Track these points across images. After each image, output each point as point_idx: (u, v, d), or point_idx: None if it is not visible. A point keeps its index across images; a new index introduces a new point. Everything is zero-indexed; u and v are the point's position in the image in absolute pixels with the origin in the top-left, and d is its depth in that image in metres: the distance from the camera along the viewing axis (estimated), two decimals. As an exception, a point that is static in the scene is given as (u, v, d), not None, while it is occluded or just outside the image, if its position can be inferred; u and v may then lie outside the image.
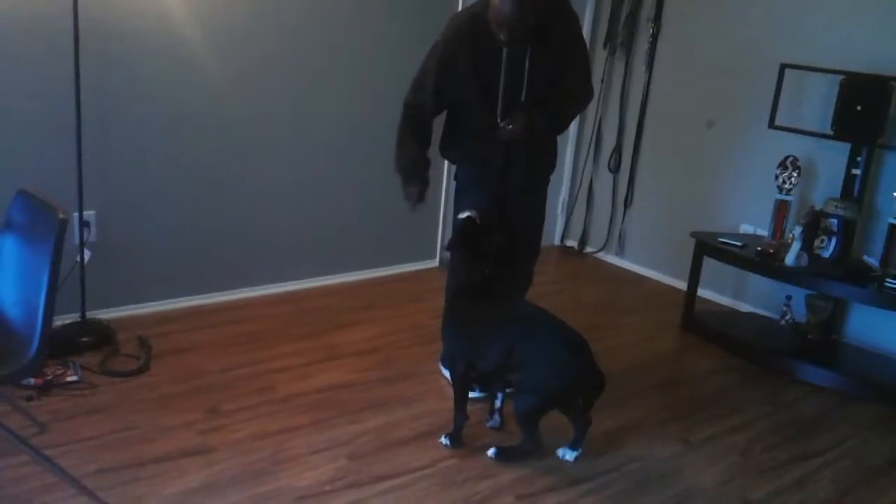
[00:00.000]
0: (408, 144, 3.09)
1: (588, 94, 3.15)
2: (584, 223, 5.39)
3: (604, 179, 5.25)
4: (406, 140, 3.09)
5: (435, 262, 4.72)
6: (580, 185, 5.38)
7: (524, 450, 2.79)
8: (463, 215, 2.92)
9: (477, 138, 3.03)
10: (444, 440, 2.85)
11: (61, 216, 2.16)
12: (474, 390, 3.09)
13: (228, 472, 2.55)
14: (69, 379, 3.01)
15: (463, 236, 2.90)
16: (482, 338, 2.80)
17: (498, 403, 2.99)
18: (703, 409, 3.32)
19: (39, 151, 3.25)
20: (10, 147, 3.19)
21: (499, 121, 2.93)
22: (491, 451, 2.78)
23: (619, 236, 5.19)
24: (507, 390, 2.92)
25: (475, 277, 2.91)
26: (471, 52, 2.87)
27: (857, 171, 3.80)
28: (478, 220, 2.90)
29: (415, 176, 3.10)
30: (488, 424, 3.00)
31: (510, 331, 2.75)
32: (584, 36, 4.97)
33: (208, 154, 3.75)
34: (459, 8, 4.26)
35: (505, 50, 2.85)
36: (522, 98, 2.92)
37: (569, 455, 2.83)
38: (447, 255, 3.31)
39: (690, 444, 3.03)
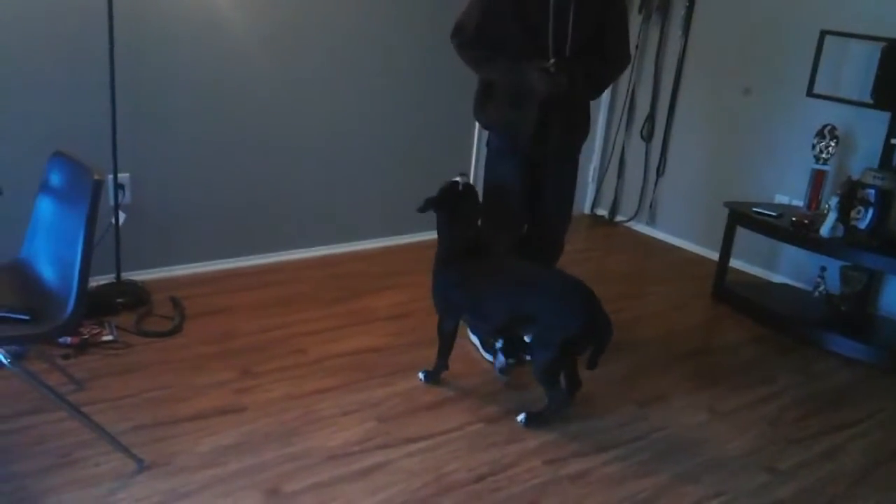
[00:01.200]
0: (486, 57, 2.97)
1: (626, 59, 3.14)
2: (615, 192, 5.35)
3: (636, 147, 5.19)
4: (477, 57, 2.98)
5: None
6: (612, 153, 5.33)
7: (552, 409, 2.81)
8: (456, 178, 2.94)
9: (513, 98, 2.98)
10: (420, 374, 2.99)
11: (96, 177, 2.19)
12: (509, 357, 3.14)
13: (261, 431, 2.60)
14: (105, 338, 3.07)
15: (437, 200, 2.91)
16: (482, 299, 2.86)
17: (499, 344, 3.14)
18: (731, 379, 3.31)
19: (75, 115, 3.28)
20: (47, 111, 3.23)
21: (538, 65, 2.87)
22: (520, 417, 2.80)
23: (651, 205, 5.15)
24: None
25: (461, 240, 2.93)
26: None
27: (896, 141, 3.72)
28: (461, 188, 2.91)
29: (529, 68, 2.90)
30: (499, 376, 3.11)
31: (512, 288, 2.81)
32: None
33: (241, 117, 3.77)
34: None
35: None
36: (567, 48, 2.88)
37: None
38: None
39: (718, 414, 3.02)
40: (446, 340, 2.99)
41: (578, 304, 2.75)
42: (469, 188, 2.95)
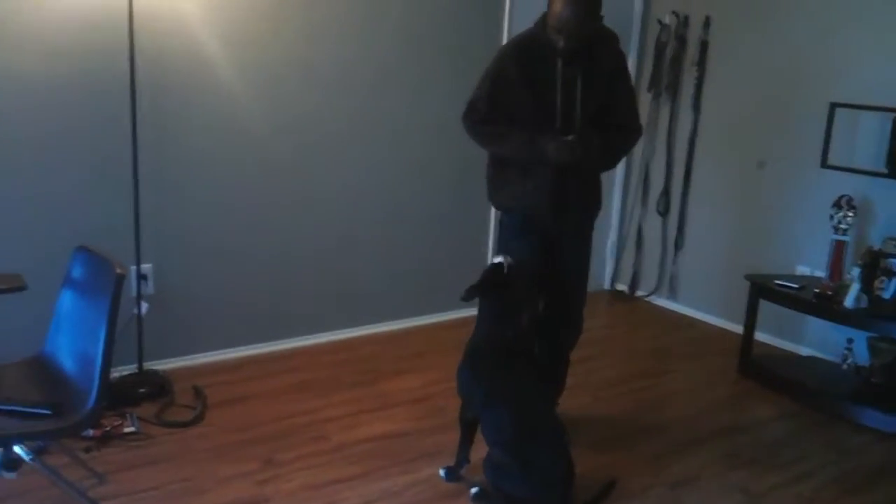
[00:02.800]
0: (500, 133, 2.98)
1: (638, 131, 3.17)
2: (635, 266, 5.34)
3: (653, 222, 5.20)
4: (492, 133, 3.00)
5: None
6: (629, 228, 5.35)
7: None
8: (496, 260, 2.83)
9: (527, 171, 2.99)
10: (441, 472, 2.88)
11: (118, 271, 2.22)
12: None
13: (282, 524, 2.55)
14: (127, 430, 3.05)
15: (486, 285, 2.77)
16: (489, 414, 2.72)
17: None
18: (764, 457, 3.23)
19: (99, 209, 3.36)
20: (70, 206, 3.30)
21: (552, 135, 2.90)
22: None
23: (671, 279, 5.12)
24: None
25: (498, 338, 2.78)
26: (523, 67, 2.91)
27: (915, 209, 3.71)
28: (506, 270, 2.77)
29: (541, 137, 2.91)
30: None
31: (512, 428, 2.65)
32: (630, 80, 5.04)
33: (260, 206, 3.82)
34: (505, 37, 4.36)
35: (559, 67, 2.88)
36: (577, 118, 2.93)
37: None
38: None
39: (752, 495, 2.93)
40: (467, 430, 2.86)
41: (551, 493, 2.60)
42: (515, 271, 2.78)
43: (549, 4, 2.84)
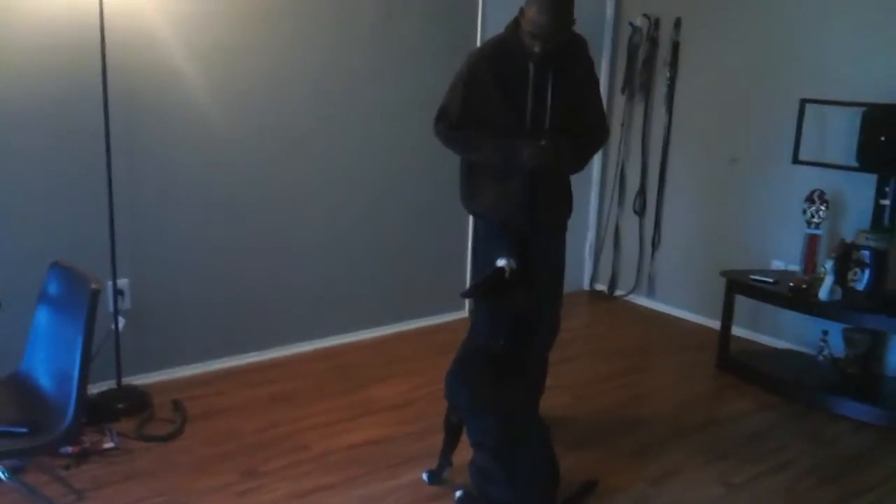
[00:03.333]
0: (473, 138, 3.00)
1: (605, 133, 3.23)
2: (613, 266, 5.37)
3: (630, 222, 5.24)
4: (465, 138, 3.01)
5: (463, 313, 4.72)
6: (606, 229, 5.38)
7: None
8: (499, 262, 2.81)
9: (500, 174, 3.01)
10: (424, 475, 2.89)
11: (93, 286, 2.21)
12: None
13: (265, 534, 2.55)
14: (106, 446, 3.03)
15: (488, 286, 2.79)
16: (475, 419, 2.73)
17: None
18: (743, 449, 3.26)
19: (73, 225, 3.34)
20: (44, 222, 3.28)
21: (526, 139, 2.93)
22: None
23: (649, 278, 5.16)
24: None
25: (493, 344, 2.78)
26: (496, 70, 2.93)
27: (885, 202, 3.75)
28: (508, 274, 2.77)
29: (506, 145, 2.95)
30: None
31: (497, 436, 2.65)
32: (603, 81, 5.10)
33: (238, 217, 3.82)
34: (479, 38, 4.41)
35: (531, 72, 2.91)
36: (547, 121, 2.95)
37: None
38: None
39: (733, 486, 2.96)
40: (451, 434, 2.87)
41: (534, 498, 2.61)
42: (517, 275, 2.77)
43: (524, 10, 2.86)
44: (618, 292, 5.35)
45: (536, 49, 2.86)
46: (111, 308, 3.38)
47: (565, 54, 2.94)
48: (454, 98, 2.99)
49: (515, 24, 2.93)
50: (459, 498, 2.77)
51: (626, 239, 5.30)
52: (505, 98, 2.95)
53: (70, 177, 3.32)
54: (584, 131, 3.08)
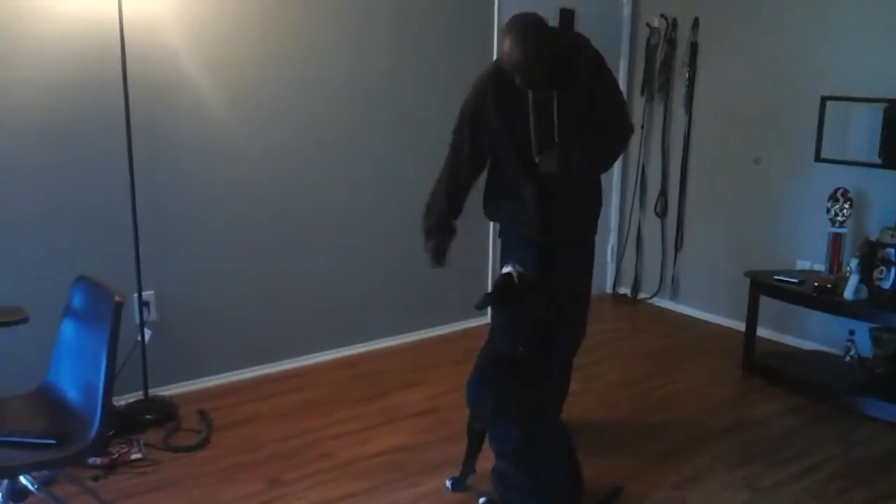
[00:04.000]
0: (438, 205, 3.14)
1: (626, 128, 3.07)
2: (636, 269, 5.35)
3: (652, 224, 5.22)
4: (436, 202, 3.15)
5: (486, 320, 4.69)
6: (628, 232, 5.36)
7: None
8: (505, 269, 2.82)
9: (512, 194, 3.03)
10: (448, 482, 2.89)
11: (117, 299, 2.24)
12: None
13: (290, 543, 2.57)
14: (134, 457, 3.08)
15: (498, 294, 2.79)
16: (494, 422, 2.75)
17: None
18: (770, 453, 3.23)
19: (98, 239, 3.39)
20: (70, 237, 3.34)
21: (535, 160, 2.93)
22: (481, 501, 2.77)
23: (673, 280, 5.13)
24: None
25: (508, 350, 2.80)
26: (497, 102, 2.93)
27: (910, 198, 3.71)
28: (516, 279, 2.76)
29: (437, 233, 3.12)
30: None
31: (516, 441, 2.65)
32: (621, 83, 5.07)
33: (260, 228, 3.86)
34: (495, 45, 4.41)
35: (531, 95, 2.88)
36: (555, 137, 2.92)
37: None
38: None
39: (759, 491, 2.94)
40: (474, 441, 2.87)
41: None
42: (526, 281, 2.78)
43: (503, 42, 2.80)
44: (641, 295, 5.32)
45: (518, 81, 2.82)
46: (137, 320, 3.42)
47: (563, 66, 2.86)
48: (462, 140, 3.04)
49: None
50: None
51: (648, 242, 5.27)
52: (509, 126, 2.95)
53: (95, 191, 3.37)
54: (601, 127, 2.97)
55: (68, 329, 2.55)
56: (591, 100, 2.96)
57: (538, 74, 2.80)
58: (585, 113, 2.94)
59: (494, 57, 4.39)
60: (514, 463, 2.63)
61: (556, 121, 2.90)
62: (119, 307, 2.25)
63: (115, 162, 3.31)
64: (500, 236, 3.29)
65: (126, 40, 3.19)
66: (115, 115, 3.26)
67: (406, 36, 4.19)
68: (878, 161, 3.79)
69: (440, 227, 3.11)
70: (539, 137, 2.92)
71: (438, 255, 3.12)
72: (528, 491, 2.58)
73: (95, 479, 2.91)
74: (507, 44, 2.74)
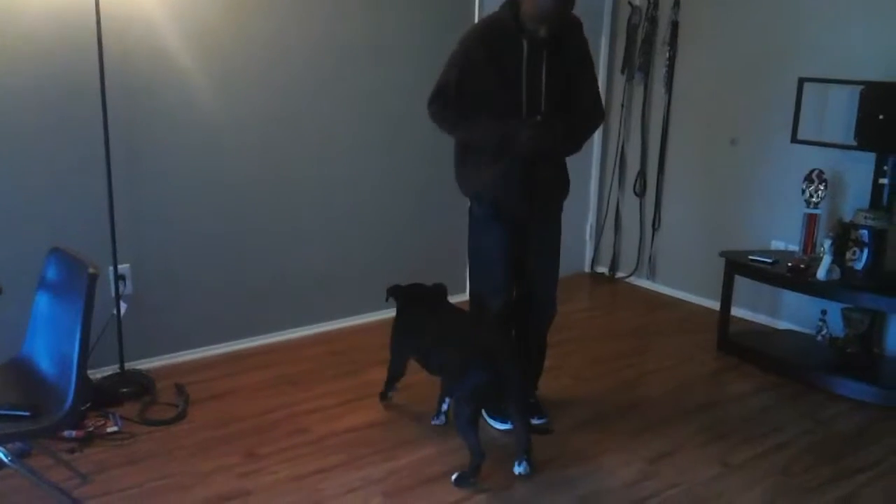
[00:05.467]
0: (468, 119, 2.99)
1: (601, 116, 3.25)
2: (614, 248, 5.38)
3: (630, 203, 5.24)
4: (460, 118, 3.00)
5: (464, 296, 4.72)
6: (607, 211, 5.39)
7: (472, 463, 2.80)
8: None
9: (495, 157, 2.99)
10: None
11: (91, 271, 2.23)
12: (503, 421, 3.15)
13: (265, 515, 2.58)
14: (110, 430, 3.07)
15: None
16: (423, 346, 3.16)
17: (444, 407, 3.21)
18: (742, 430, 3.28)
19: (73, 211, 3.36)
20: (45, 207, 3.31)
21: (524, 120, 2.94)
22: (453, 477, 2.83)
23: (650, 260, 5.17)
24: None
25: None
26: (490, 50, 2.91)
27: (884, 181, 3.74)
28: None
29: (503, 126, 2.94)
30: (433, 422, 3.21)
31: (434, 338, 3.10)
32: (602, 62, 5.08)
33: (238, 201, 3.84)
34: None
35: (525, 52, 2.91)
36: (542, 103, 2.95)
37: (517, 468, 2.86)
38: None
39: (731, 467, 2.98)
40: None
41: (479, 360, 2.78)
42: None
43: (524, 2, 2.83)
44: (619, 274, 5.36)
45: (542, 33, 2.87)
46: (113, 293, 3.40)
47: (560, 35, 2.94)
48: (450, 79, 2.96)
49: (511, 4, 2.92)
50: (456, 478, 2.80)
51: (626, 221, 5.30)
52: (500, 79, 2.94)
53: (69, 162, 3.33)
54: (579, 113, 3.07)
55: (42, 301, 2.54)
56: (576, 80, 3.04)
57: (563, 21, 2.90)
58: (564, 90, 3.00)
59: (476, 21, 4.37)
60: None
61: (543, 81, 2.94)
62: (93, 279, 2.24)
63: (90, 133, 3.28)
64: (470, 212, 3.20)
65: (101, 12, 3.14)
66: (89, 83, 3.22)
67: (387, 3, 4.15)
68: (854, 143, 3.82)
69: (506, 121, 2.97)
70: (529, 99, 2.94)
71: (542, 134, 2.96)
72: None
73: (71, 451, 2.91)
74: None
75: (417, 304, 3.28)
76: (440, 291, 3.33)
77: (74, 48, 3.23)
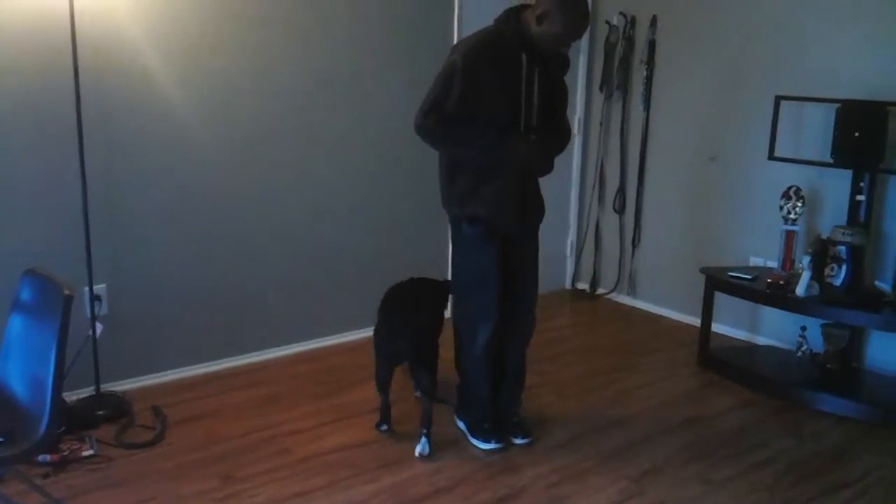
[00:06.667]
0: (466, 135, 2.95)
1: (570, 134, 3.29)
2: (594, 265, 5.38)
3: (610, 220, 5.26)
4: (458, 134, 2.96)
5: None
6: (587, 228, 5.40)
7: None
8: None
9: (487, 174, 2.98)
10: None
11: (66, 292, 2.19)
12: (487, 441, 3.16)
13: (246, 540, 2.53)
14: (85, 453, 3.00)
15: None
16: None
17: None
18: (724, 447, 3.27)
19: (48, 230, 3.31)
20: (18, 227, 3.25)
21: (522, 135, 2.97)
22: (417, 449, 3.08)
23: (630, 276, 5.18)
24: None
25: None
26: (494, 65, 2.90)
27: (861, 197, 3.78)
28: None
29: (504, 142, 2.95)
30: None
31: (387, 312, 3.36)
32: (580, 80, 5.12)
33: (215, 220, 3.80)
34: (455, 40, 4.33)
35: (524, 67, 2.93)
36: (534, 119, 2.99)
37: (417, 448, 3.09)
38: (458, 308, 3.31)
39: (714, 484, 2.98)
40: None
41: (383, 322, 3.28)
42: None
43: (547, 16, 2.82)
44: (600, 291, 5.36)
45: (564, 51, 2.97)
46: (88, 314, 3.34)
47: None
48: (449, 92, 2.87)
49: (509, 18, 2.92)
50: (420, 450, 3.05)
51: (606, 237, 5.32)
52: (502, 94, 2.93)
53: (44, 182, 3.29)
54: (560, 129, 3.11)
55: (16, 324, 2.49)
56: (554, 100, 3.08)
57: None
58: (549, 106, 3.04)
59: (454, 39, 4.38)
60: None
61: (535, 101, 2.97)
62: (69, 301, 2.19)
63: (65, 152, 3.23)
64: (459, 234, 3.15)
65: (76, 26, 3.11)
66: (64, 104, 3.18)
67: (366, 21, 4.15)
68: (830, 160, 3.86)
69: (504, 134, 2.96)
70: (525, 113, 2.97)
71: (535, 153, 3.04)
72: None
73: (45, 476, 2.84)
74: (570, 14, 2.82)
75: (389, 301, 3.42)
76: (414, 284, 3.49)
77: (49, 66, 3.19)
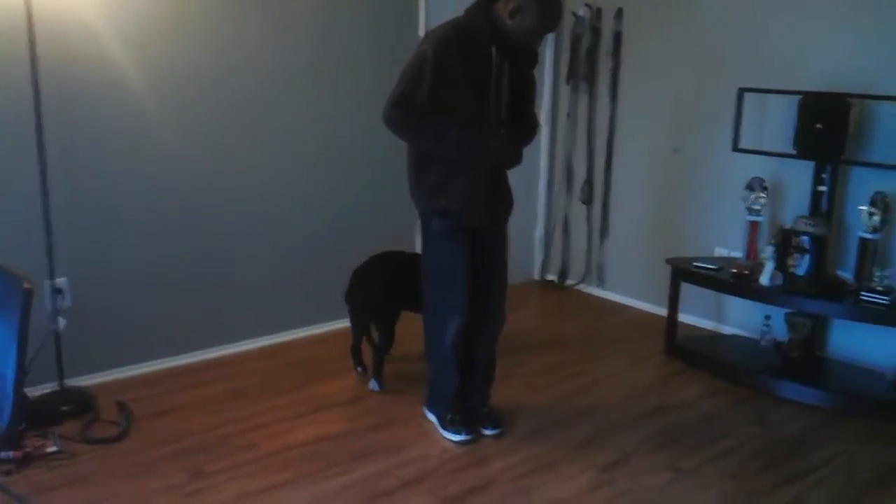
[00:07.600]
0: (436, 128, 2.91)
1: (537, 128, 3.26)
2: (563, 256, 5.41)
3: (578, 212, 5.28)
4: (427, 127, 2.92)
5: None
6: (555, 219, 5.42)
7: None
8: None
9: (458, 167, 2.97)
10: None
11: (26, 286, 2.13)
12: (457, 432, 3.15)
13: (214, 535, 2.51)
14: (49, 450, 2.95)
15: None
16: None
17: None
18: (691, 435, 3.31)
19: (6, 221, 3.24)
20: (-21, 220, 3.18)
21: (492, 130, 2.96)
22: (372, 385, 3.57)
23: (598, 267, 5.21)
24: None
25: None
26: (464, 56, 2.88)
27: (823, 188, 3.84)
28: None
29: (475, 136, 2.93)
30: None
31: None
32: (547, 72, 5.13)
33: (181, 211, 3.75)
34: (420, 33, 4.34)
35: (494, 59, 2.92)
36: (503, 111, 2.98)
37: (371, 384, 3.60)
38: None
39: (681, 472, 3.01)
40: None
41: (352, 284, 3.69)
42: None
43: (519, 9, 2.82)
44: (568, 282, 5.39)
45: (535, 45, 2.98)
46: (50, 308, 3.28)
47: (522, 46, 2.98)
48: (419, 84, 2.84)
49: (480, 11, 2.90)
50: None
51: (575, 229, 5.34)
52: (472, 86, 2.92)
53: (1, 169, 3.21)
54: (528, 123, 3.11)
55: (-26, 319, 2.43)
56: (523, 94, 3.08)
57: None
58: (517, 99, 3.03)
59: (420, 32, 4.36)
60: None
61: (504, 94, 2.96)
62: (29, 294, 2.14)
63: (23, 141, 3.16)
64: (428, 228, 3.13)
65: (34, 15, 3.05)
66: (22, 91, 3.11)
67: (330, 15, 4.12)
68: (793, 152, 3.91)
69: (474, 132, 2.95)
70: (494, 106, 2.96)
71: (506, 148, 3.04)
72: None
73: (7, 473, 2.78)
74: (543, 9, 2.84)
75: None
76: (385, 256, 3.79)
77: (5, 56, 3.11)
